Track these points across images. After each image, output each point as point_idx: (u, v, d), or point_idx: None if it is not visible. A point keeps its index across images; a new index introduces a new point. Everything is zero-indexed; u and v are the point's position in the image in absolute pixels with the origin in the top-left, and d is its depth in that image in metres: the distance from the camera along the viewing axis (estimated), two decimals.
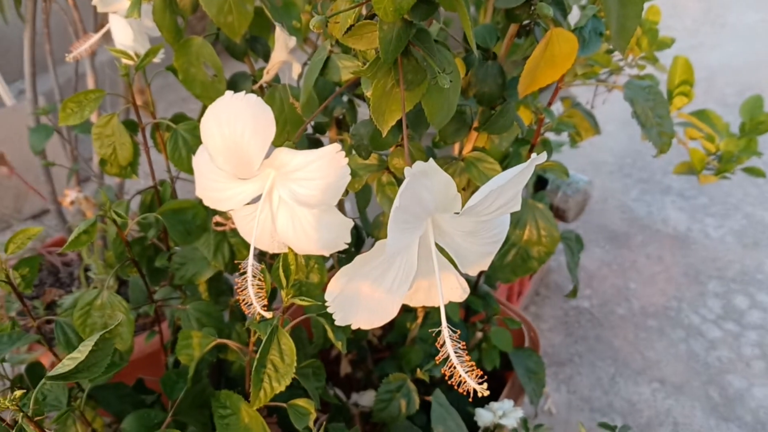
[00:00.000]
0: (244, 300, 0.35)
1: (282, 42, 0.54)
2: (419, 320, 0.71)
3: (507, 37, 0.47)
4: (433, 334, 0.31)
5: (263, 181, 0.36)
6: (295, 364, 0.41)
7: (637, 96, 0.67)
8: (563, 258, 1.66)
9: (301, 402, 0.46)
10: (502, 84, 0.47)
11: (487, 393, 0.29)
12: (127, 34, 0.57)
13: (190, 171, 0.54)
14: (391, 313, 0.31)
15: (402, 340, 0.74)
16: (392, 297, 0.31)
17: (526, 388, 0.86)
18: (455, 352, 0.30)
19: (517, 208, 0.32)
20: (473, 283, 0.86)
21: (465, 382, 0.29)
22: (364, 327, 0.32)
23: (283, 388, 0.42)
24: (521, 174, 0.29)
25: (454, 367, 0.29)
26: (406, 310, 0.71)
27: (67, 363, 0.34)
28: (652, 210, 1.78)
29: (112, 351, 0.41)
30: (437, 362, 0.31)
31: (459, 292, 0.34)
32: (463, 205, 0.32)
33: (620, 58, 1.01)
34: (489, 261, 0.34)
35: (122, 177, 0.60)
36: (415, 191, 0.27)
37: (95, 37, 0.61)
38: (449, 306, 0.74)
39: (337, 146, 0.33)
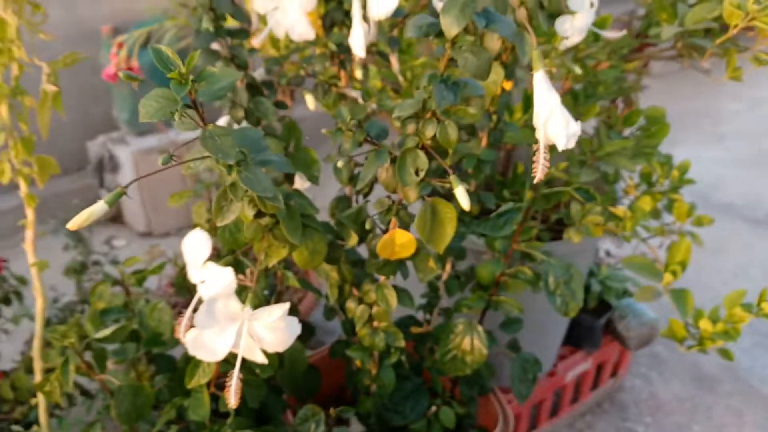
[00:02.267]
0: None
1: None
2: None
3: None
4: None
5: None
6: None
7: (552, 271, 0.90)
8: (638, 381, 1.77)
9: None
10: None
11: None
12: None
13: None
14: (222, 353, 0.66)
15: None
16: (223, 348, 0.65)
17: None
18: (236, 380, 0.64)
19: (291, 334, 0.65)
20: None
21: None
22: (208, 359, 0.66)
23: None
24: (281, 316, 0.63)
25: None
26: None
27: None
28: (756, 366, 1.78)
29: None
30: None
31: (261, 358, 0.67)
32: None
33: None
34: (282, 348, 0.66)
35: None
36: (208, 309, 0.62)
37: None
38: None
39: None
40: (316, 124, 0.99)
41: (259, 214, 0.65)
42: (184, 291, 0.98)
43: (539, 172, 0.56)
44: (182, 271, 0.91)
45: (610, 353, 1.61)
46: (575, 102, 1.21)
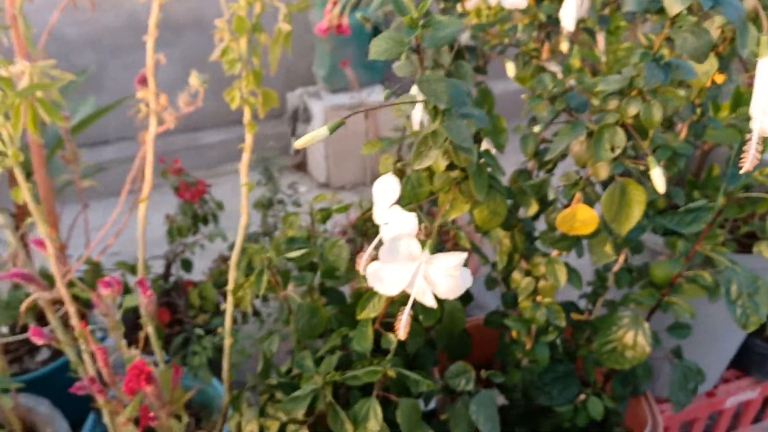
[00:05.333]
0: None
1: None
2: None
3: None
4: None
5: None
6: None
7: (736, 279, 0.85)
8: None
9: None
10: None
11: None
12: None
13: None
14: (397, 289, 0.70)
15: None
16: (399, 284, 0.70)
17: None
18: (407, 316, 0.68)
19: (463, 284, 0.67)
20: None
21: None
22: (384, 292, 0.71)
23: None
24: (457, 264, 0.66)
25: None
26: None
27: None
28: None
29: None
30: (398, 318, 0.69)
31: (431, 302, 0.71)
32: None
33: None
34: (452, 296, 0.70)
35: None
36: (390, 246, 0.66)
37: None
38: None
39: None
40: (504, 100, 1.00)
41: (450, 167, 0.68)
42: (360, 234, 1.05)
43: (749, 163, 0.54)
44: (363, 215, 0.98)
45: None
46: None
